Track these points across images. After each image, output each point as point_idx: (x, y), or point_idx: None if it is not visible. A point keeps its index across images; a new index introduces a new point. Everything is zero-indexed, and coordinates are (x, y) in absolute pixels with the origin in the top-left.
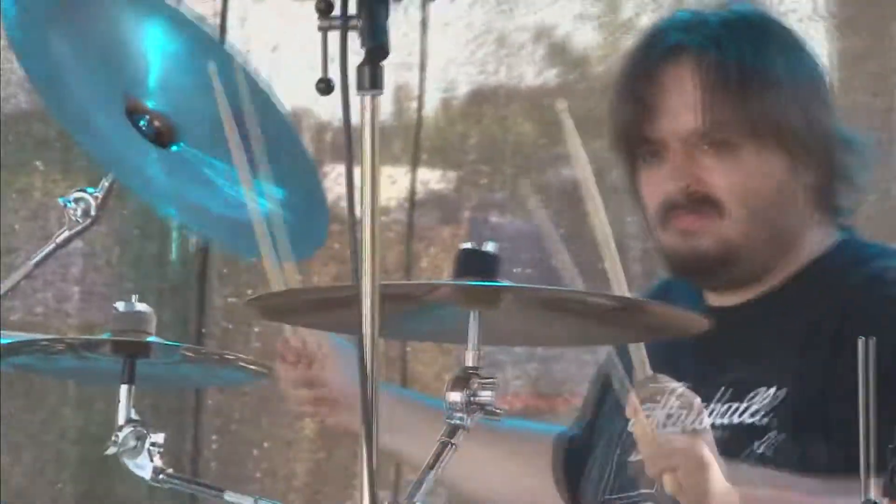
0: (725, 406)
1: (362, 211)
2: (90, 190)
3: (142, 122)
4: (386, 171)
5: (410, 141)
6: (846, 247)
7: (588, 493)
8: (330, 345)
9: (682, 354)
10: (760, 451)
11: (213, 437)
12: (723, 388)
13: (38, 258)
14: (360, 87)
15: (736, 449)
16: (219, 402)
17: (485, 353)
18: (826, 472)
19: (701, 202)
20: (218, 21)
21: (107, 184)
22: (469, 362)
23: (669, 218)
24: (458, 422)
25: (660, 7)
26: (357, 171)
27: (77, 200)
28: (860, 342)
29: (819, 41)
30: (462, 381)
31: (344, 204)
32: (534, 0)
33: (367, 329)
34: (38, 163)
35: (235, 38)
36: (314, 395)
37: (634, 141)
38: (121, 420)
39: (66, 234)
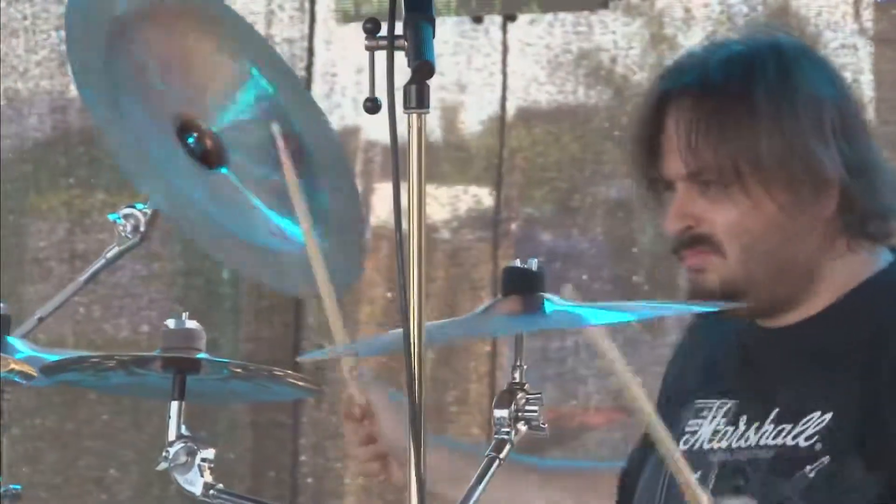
0: (778, 428)
1: (409, 228)
2: (139, 206)
3: (190, 140)
4: (472, 191)
5: (494, 159)
6: (888, 273)
7: None
8: (387, 398)
9: (731, 371)
10: (812, 475)
11: (309, 454)
12: (777, 410)
13: (87, 275)
14: (406, 105)
15: (787, 471)
16: (315, 417)
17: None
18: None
19: (700, 242)
20: (305, 44)
21: None
22: (515, 377)
23: (681, 255)
24: (504, 437)
25: (727, 28)
26: (404, 188)
27: (126, 217)
28: None
29: (860, 60)
30: (508, 396)
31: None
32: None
33: (413, 336)
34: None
35: (322, 60)
36: (377, 452)
37: (649, 179)
38: (171, 436)
39: (116, 250)
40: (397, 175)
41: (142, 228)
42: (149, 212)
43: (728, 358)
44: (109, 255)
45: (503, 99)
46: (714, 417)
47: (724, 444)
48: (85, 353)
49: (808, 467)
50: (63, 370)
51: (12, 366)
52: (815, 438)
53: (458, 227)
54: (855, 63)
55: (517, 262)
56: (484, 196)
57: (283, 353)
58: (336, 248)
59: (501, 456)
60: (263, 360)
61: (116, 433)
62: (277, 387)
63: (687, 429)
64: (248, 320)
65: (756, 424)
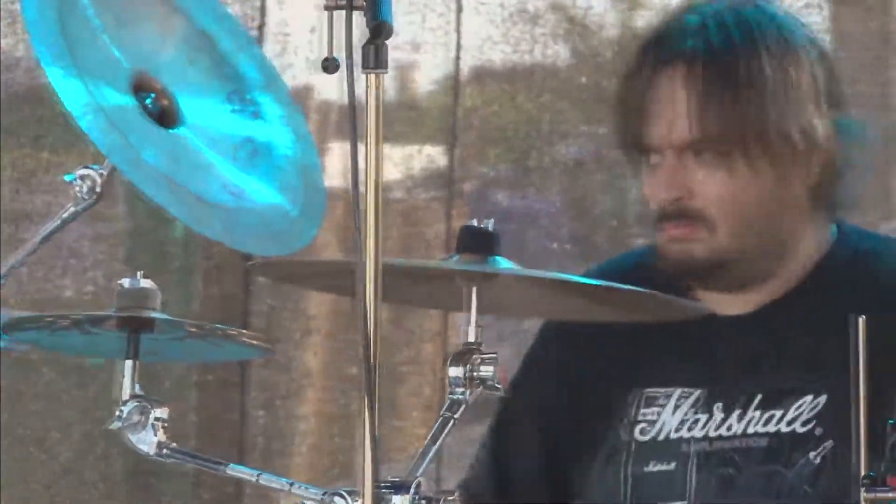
0: (766, 414)
1: (366, 187)
2: (95, 167)
3: (147, 100)
4: (426, 150)
5: (447, 119)
6: (847, 241)
7: None
8: None
9: (698, 363)
10: (818, 461)
11: (257, 413)
12: (760, 396)
13: (43, 234)
14: (364, 65)
15: (787, 458)
16: (263, 377)
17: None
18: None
19: (691, 216)
20: (258, 3)
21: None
22: (470, 337)
23: (664, 225)
24: (459, 397)
25: None
26: (362, 148)
27: (82, 177)
28: (860, 320)
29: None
30: (463, 356)
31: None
32: None
33: (369, 307)
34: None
35: (274, 20)
36: None
37: (634, 144)
38: (125, 395)
39: (72, 210)
40: (355, 136)
41: (98, 189)
42: (105, 172)
43: (689, 346)
44: (65, 215)
45: (457, 58)
46: (677, 407)
47: (697, 433)
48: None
49: (813, 453)
50: (19, 329)
51: None
52: (813, 423)
53: (411, 186)
54: (819, 22)
55: (473, 222)
56: (438, 156)
57: (232, 313)
58: (293, 207)
59: (456, 416)
60: (213, 319)
61: (59, 394)
62: (231, 346)
63: (640, 418)
64: (197, 280)
65: (738, 412)
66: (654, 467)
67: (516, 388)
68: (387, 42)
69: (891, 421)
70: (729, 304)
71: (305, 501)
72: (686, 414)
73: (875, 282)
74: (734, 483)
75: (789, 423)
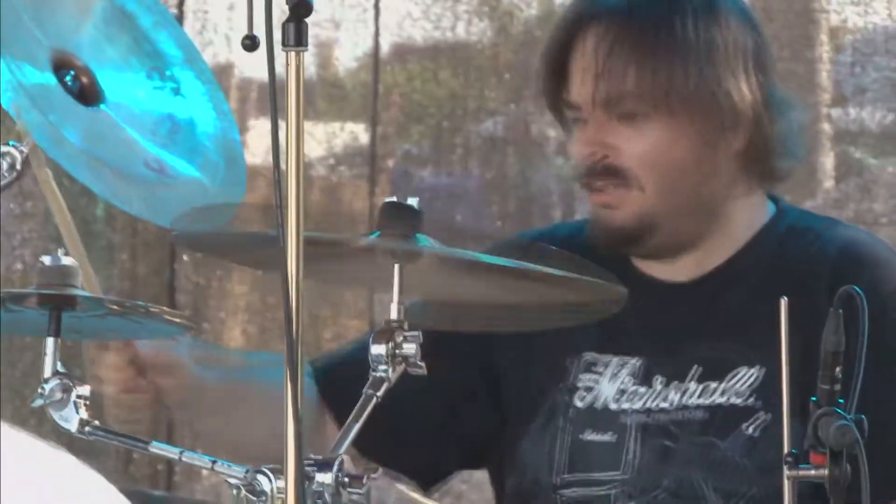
0: (702, 385)
1: (287, 164)
2: (12, 143)
3: (67, 78)
4: (348, 127)
5: (369, 96)
6: (783, 218)
7: (528, 473)
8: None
9: (633, 329)
10: (749, 431)
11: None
12: (696, 366)
13: None
14: (284, 43)
15: (723, 430)
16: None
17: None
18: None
19: (613, 174)
20: None
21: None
22: (393, 315)
23: (591, 182)
24: (382, 374)
25: None
26: (282, 126)
27: (2, 155)
28: (782, 302)
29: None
30: (386, 333)
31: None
32: None
33: (291, 285)
34: None
35: None
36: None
37: (559, 105)
38: (47, 372)
39: None
40: (275, 114)
41: (18, 166)
42: (25, 150)
43: (627, 314)
44: None
45: (376, 35)
46: (615, 375)
47: (637, 405)
48: None
49: (745, 424)
50: None
51: None
52: (749, 395)
53: (334, 164)
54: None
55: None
56: (360, 133)
57: (158, 290)
58: (214, 183)
59: (379, 394)
60: (139, 297)
61: None
62: (153, 324)
63: (579, 384)
64: (123, 258)
65: (675, 383)
66: (591, 436)
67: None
68: (306, 20)
69: (813, 399)
70: (667, 272)
71: (229, 479)
72: (624, 384)
73: (808, 260)
74: (671, 455)
75: (725, 395)
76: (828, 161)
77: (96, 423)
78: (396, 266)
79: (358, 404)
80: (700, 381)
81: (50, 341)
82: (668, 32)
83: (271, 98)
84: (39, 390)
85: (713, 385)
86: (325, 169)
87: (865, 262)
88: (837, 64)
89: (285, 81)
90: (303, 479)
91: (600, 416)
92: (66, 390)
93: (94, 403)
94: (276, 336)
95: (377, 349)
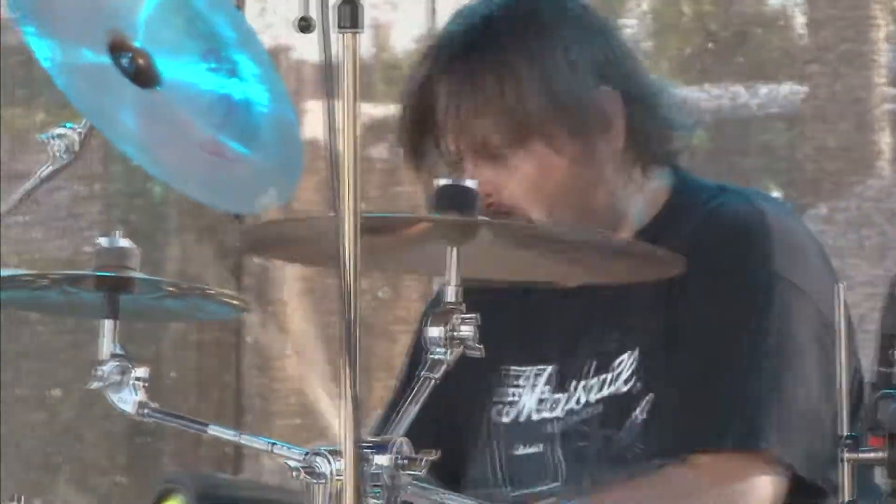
0: (598, 380)
1: (343, 145)
2: (69, 125)
3: (124, 60)
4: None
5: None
6: (681, 194)
7: (482, 489)
8: None
9: (546, 338)
10: (643, 416)
11: (254, 373)
12: (589, 362)
13: (20, 195)
14: (340, 25)
15: (617, 420)
16: (259, 337)
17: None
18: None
19: (505, 214)
20: None
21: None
22: (449, 297)
23: None
24: (439, 357)
25: None
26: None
27: (59, 137)
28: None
29: None
30: (442, 316)
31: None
32: None
33: (347, 258)
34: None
35: None
36: None
37: (417, 156)
38: (104, 354)
39: (49, 170)
40: (330, 96)
41: (75, 148)
42: (83, 131)
43: (537, 322)
44: (43, 174)
45: (433, 16)
46: (534, 386)
47: (557, 412)
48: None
49: (637, 410)
50: None
51: None
52: (633, 379)
53: (393, 146)
54: None
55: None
56: None
57: (224, 273)
58: (271, 165)
59: (436, 376)
60: (204, 280)
61: (56, 353)
62: (211, 305)
63: (507, 400)
64: (189, 239)
65: (583, 384)
66: (522, 450)
67: (414, 353)
68: (362, 1)
69: (866, 380)
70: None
71: (288, 461)
72: (543, 393)
73: (679, 238)
74: (585, 455)
75: (613, 384)
76: (891, 140)
77: (154, 404)
78: (454, 249)
79: (416, 387)
80: (595, 374)
81: (107, 323)
82: (494, 67)
83: (325, 80)
84: (97, 372)
85: (606, 377)
86: (386, 151)
87: (720, 235)
88: None
89: (341, 63)
90: (361, 461)
91: (526, 429)
92: (124, 372)
93: (152, 385)
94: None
95: (434, 332)
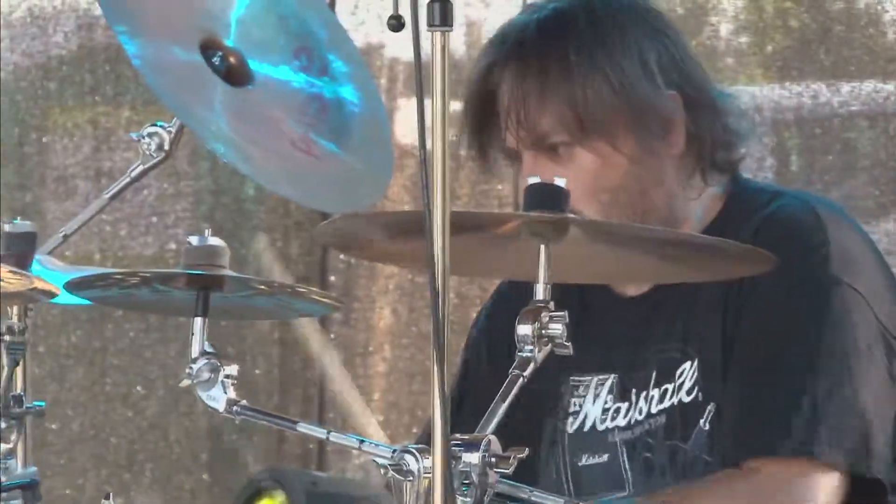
0: (662, 389)
1: (433, 143)
2: (159, 124)
3: (215, 59)
4: None
5: None
6: (738, 199)
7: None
8: None
9: (607, 348)
10: (707, 427)
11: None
12: (651, 371)
13: (112, 193)
14: (430, 23)
15: (683, 431)
16: (343, 334)
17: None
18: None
19: None
20: None
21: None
22: (539, 295)
23: None
24: (528, 354)
25: None
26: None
27: (150, 135)
28: None
29: None
30: (532, 314)
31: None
32: None
33: (437, 255)
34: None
35: None
36: None
37: (485, 149)
38: (195, 352)
39: (141, 168)
40: (421, 94)
41: (166, 147)
42: (173, 130)
43: (599, 332)
44: (134, 173)
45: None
46: (597, 396)
47: (620, 421)
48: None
49: (702, 421)
50: (88, 287)
51: (35, 284)
52: (695, 389)
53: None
54: None
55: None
56: None
57: (310, 270)
58: (362, 163)
59: (525, 374)
60: (292, 277)
61: (142, 350)
62: (301, 304)
63: (571, 409)
64: (276, 238)
65: (644, 393)
66: (587, 460)
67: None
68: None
69: None
70: (631, 286)
71: (376, 459)
72: (606, 402)
73: (752, 237)
74: (650, 466)
75: (675, 394)
76: None
77: (244, 402)
78: (543, 247)
79: (504, 384)
80: (657, 385)
81: (198, 321)
82: (559, 63)
83: (417, 78)
84: (187, 370)
85: (668, 387)
86: None
87: (776, 238)
88: None
89: (431, 61)
90: (450, 459)
91: (591, 439)
92: (214, 370)
93: (242, 382)
94: (424, 316)
95: (523, 329)
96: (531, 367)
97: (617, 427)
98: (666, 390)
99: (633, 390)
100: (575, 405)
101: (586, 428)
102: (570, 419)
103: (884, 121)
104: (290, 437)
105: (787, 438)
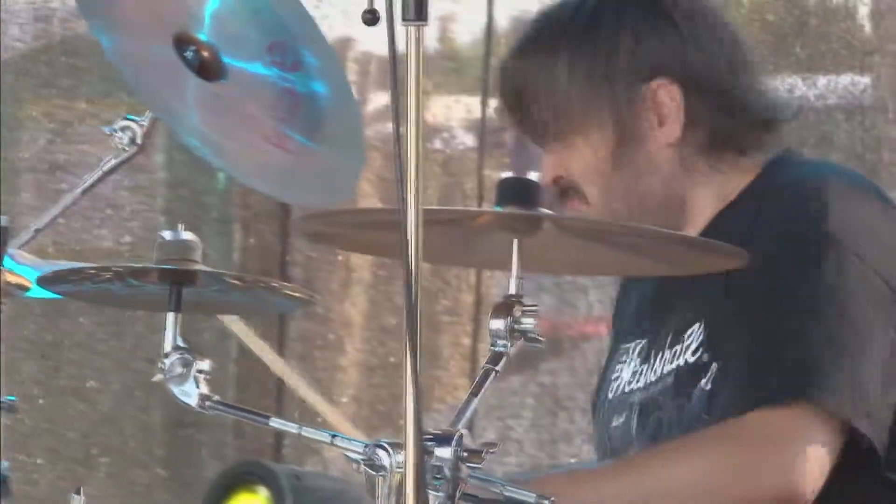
0: (671, 351)
1: (407, 138)
2: (130, 117)
3: (187, 53)
4: (463, 101)
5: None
6: (764, 176)
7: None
8: None
9: (643, 311)
10: (709, 386)
11: (296, 364)
12: (667, 334)
13: (84, 186)
14: (405, 17)
15: (687, 390)
16: (302, 328)
17: (525, 280)
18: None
19: (570, 191)
20: None
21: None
22: (511, 290)
23: (563, 207)
24: (501, 349)
25: None
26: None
27: (123, 129)
28: None
29: None
30: (504, 308)
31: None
32: None
33: (410, 251)
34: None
35: None
36: None
37: (528, 137)
38: (167, 347)
39: (112, 162)
40: (396, 89)
41: (138, 140)
42: (145, 124)
43: (641, 298)
44: (106, 167)
45: (490, 8)
46: (631, 360)
47: (640, 383)
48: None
49: (703, 380)
50: (60, 282)
51: (8, 278)
52: (700, 350)
53: (449, 137)
54: None
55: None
56: (475, 106)
57: (270, 263)
58: (333, 159)
59: (498, 368)
60: (251, 270)
61: (96, 343)
62: (273, 298)
63: (613, 376)
64: (235, 230)
65: (660, 355)
66: (615, 422)
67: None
68: None
69: None
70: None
71: (348, 454)
72: (634, 366)
73: (757, 218)
74: (661, 425)
75: (682, 355)
76: None
77: (216, 397)
78: (516, 241)
79: (477, 379)
80: (670, 346)
81: (170, 316)
82: (547, 58)
83: (392, 73)
84: (160, 365)
85: (677, 348)
86: (440, 142)
87: (778, 199)
88: None
89: (405, 55)
90: (422, 453)
91: (618, 402)
92: (187, 365)
93: (215, 377)
94: (386, 309)
95: (496, 324)
96: (503, 361)
97: (637, 389)
98: (676, 351)
99: (653, 352)
100: (617, 370)
101: (619, 392)
102: (613, 385)
103: (860, 114)
104: (246, 432)
105: (785, 386)
